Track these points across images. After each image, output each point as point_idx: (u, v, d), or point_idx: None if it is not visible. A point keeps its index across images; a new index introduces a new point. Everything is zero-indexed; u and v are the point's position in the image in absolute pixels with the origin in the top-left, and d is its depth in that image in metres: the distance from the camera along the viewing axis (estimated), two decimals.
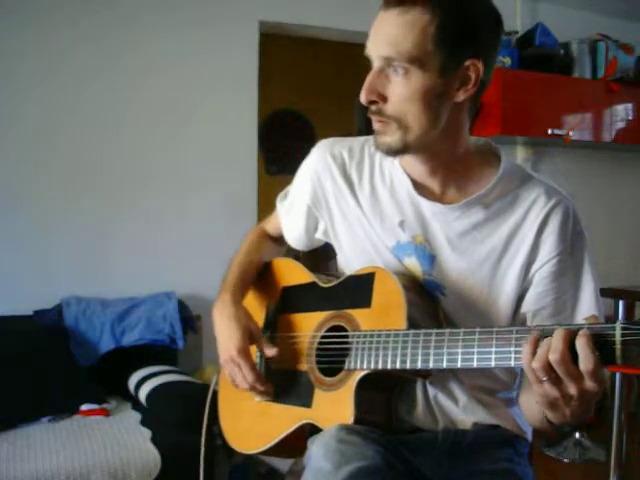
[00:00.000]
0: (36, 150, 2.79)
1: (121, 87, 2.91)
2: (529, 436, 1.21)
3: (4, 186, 2.73)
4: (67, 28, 2.81)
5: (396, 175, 1.16)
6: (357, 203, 1.18)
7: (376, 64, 1.04)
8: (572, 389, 0.85)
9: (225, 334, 1.22)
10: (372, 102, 1.05)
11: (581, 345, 0.81)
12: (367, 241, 1.17)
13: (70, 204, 2.83)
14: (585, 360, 0.81)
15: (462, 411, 1.13)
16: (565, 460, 3.09)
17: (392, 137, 1.05)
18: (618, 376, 2.68)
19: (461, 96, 1.05)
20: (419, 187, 1.14)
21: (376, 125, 1.07)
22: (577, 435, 3.20)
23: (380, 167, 1.19)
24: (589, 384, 0.83)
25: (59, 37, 2.80)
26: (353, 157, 1.21)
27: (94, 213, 2.87)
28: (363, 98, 1.05)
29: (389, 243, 1.15)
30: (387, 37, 1.01)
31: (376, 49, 1.03)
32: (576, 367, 0.82)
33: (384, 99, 1.04)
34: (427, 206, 1.12)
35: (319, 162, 1.23)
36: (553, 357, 0.83)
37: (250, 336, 1.22)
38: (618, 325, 0.80)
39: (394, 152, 1.08)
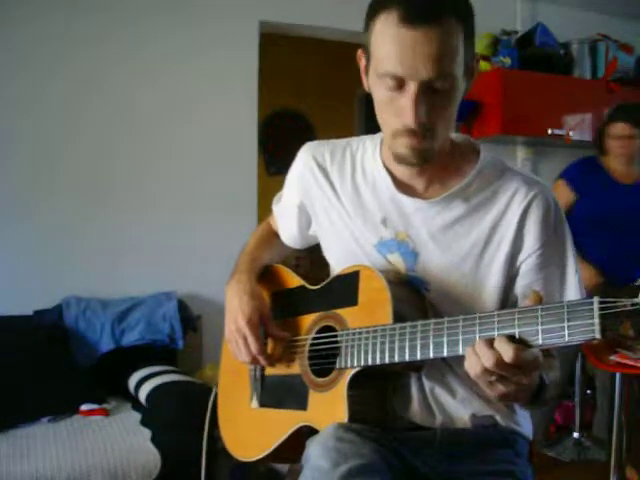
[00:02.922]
0: (36, 152, 2.79)
1: (121, 88, 2.91)
2: (529, 433, 1.21)
3: (5, 187, 2.73)
4: (63, 30, 2.81)
5: (378, 174, 1.17)
6: (340, 202, 1.20)
7: (416, 87, 0.98)
8: (522, 379, 0.90)
9: (237, 308, 1.23)
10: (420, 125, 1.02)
11: (498, 344, 0.87)
12: (351, 240, 1.19)
13: (70, 205, 2.83)
14: (505, 354, 0.86)
15: (460, 403, 1.13)
16: (565, 460, 3.09)
17: (429, 148, 1.05)
18: (618, 376, 2.68)
19: (466, 92, 1.07)
20: (401, 185, 1.15)
21: (420, 144, 1.04)
22: (577, 435, 3.20)
23: (362, 166, 1.20)
24: (527, 368, 0.89)
25: (60, 40, 2.80)
26: (334, 158, 1.23)
27: (94, 213, 2.87)
28: (414, 124, 1.00)
29: (372, 240, 1.16)
30: (431, 57, 0.96)
31: (420, 72, 0.97)
32: (508, 364, 0.87)
33: (433, 120, 1.02)
34: (409, 203, 1.13)
35: (303, 165, 1.26)
36: (488, 364, 0.88)
37: (261, 315, 1.23)
38: (595, 300, 0.81)
39: (428, 162, 1.08)
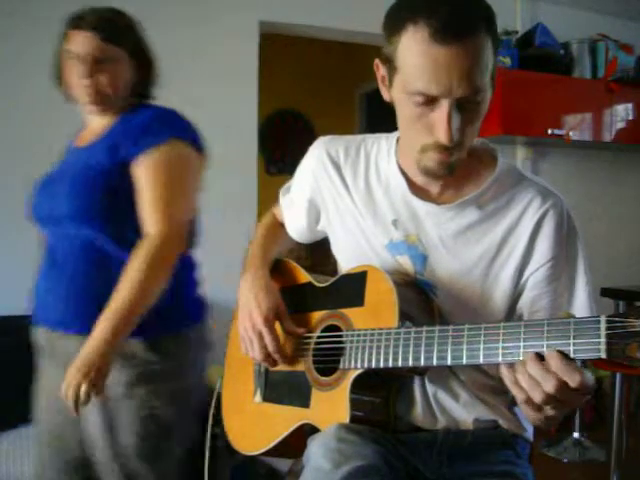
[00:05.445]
0: (36, 152, 2.79)
1: None
2: (530, 435, 1.21)
3: (4, 187, 2.73)
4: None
5: (392, 175, 1.16)
6: (351, 200, 1.19)
7: (449, 104, 0.96)
8: (572, 400, 0.86)
9: (253, 303, 1.21)
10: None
11: (558, 366, 0.81)
12: (362, 238, 1.18)
13: None
14: (571, 379, 0.81)
15: (463, 407, 1.13)
16: (565, 460, 3.09)
17: (456, 160, 1.04)
18: (618, 376, 2.68)
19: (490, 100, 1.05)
20: (415, 188, 1.14)
21: (449, 159, 1.03)
22: (577, 435, 3.20)
23: (376, 166, 1.19)
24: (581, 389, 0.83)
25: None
26: (349, 155, 1.21)
27: None
28: (448, 141, 0.98)
29: (383, 241, 1.15)
30: (465, 74, 0.94)
31: (455, 90, 0.95)
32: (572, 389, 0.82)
33: (463, 135, 1.01)
34: (421, 206, 1.12)
35: (316, 160, 1.24)
36: (551, 390, 0.82)
37: (277, 312, 1.22)
38: (603, 318, 0.79)
39: (454, 174, 1.07)
